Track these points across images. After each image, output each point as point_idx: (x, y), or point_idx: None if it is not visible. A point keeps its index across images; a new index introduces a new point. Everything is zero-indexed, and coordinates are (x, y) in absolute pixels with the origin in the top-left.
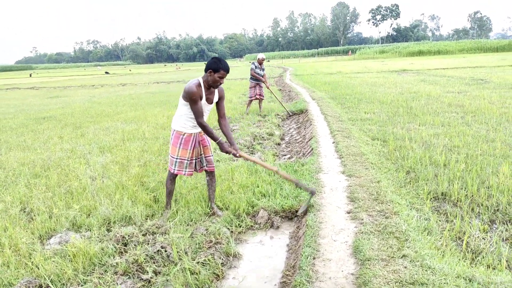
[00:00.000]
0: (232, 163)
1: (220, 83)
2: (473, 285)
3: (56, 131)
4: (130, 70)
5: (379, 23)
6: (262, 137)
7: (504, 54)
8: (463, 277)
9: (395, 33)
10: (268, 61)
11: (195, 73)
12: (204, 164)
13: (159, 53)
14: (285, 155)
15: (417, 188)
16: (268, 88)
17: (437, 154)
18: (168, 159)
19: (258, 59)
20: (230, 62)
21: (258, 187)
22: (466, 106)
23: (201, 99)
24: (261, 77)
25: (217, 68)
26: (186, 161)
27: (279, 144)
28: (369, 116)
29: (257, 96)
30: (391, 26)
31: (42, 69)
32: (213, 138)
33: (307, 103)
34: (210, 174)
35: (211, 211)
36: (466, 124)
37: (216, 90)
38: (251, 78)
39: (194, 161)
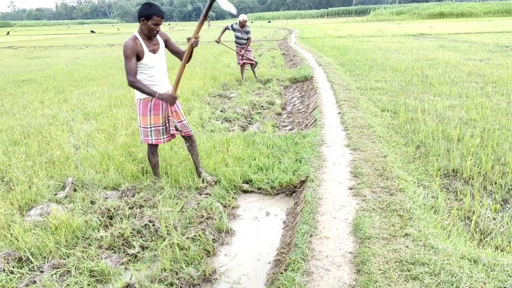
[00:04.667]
0: (228, 134)
1: (157, 31)
2: (477, 267)
3: (37, 95)
4: (118, 29)
5: None
6: (262, 106)
7: None
8: (468, 258)
9: None
10: (269, 21)
11: (190, 33)
12: (180, 130)
13: None
14: (286, 126)
15: (426, 164)
16: (242, 55)
17: (451, 128)
18: (140, 132)
19: (239, 21)
20: (230, 21)
21: (255, 160)
22: (488, 76)
23: (142, 54)
24: (239, 45)
25: (148, 14)
26: (161, 127)
27: (280, 114)
28: (380, 85)
29: (244, 61)
30: None
31: (21, 27)
32: (149, 93)
33: (312, 70)
34: (189, 139)
35: (199, 177)
36: (485, 96)
37: (159, 38)
38: (235, 41)
39: (167, 124)
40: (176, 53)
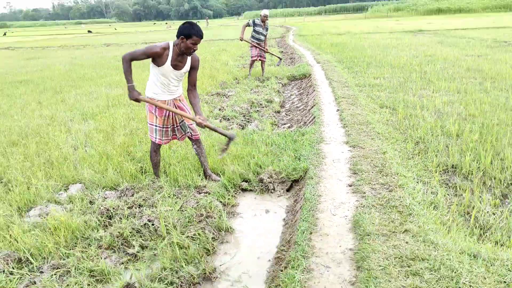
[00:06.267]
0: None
1: (194, 50)
2: (477, 262)
3: (34, 96)
4: (115, 29)
5: None
6: (260, 104)
7: None
8: (468, 253)
9: None
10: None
11: None
12: (188, 131)
13: (148, 10)
14: (284, 124)
15: (425, 160)
16: (266, 51)
17: (450, 124)
18: (147, 127)
19: (261, 16)
20: (227, 20)
21: (254, 158)
22: (486, 71)
23: (162, 63)
24: (258, 40)
25: (189, 33)
26: (163, 128)
27: (278, 112)
28: (378, 82)
29: (258, 58)
30: None
31: (17, 27)
32: (126, 78)
33: (311, 67)
34: (197, 142)
35: (207, 178)
36: (484, 91)
37: (189, 59)
38: (251, 36)
39: (171, 128)
40: (190, 83)
